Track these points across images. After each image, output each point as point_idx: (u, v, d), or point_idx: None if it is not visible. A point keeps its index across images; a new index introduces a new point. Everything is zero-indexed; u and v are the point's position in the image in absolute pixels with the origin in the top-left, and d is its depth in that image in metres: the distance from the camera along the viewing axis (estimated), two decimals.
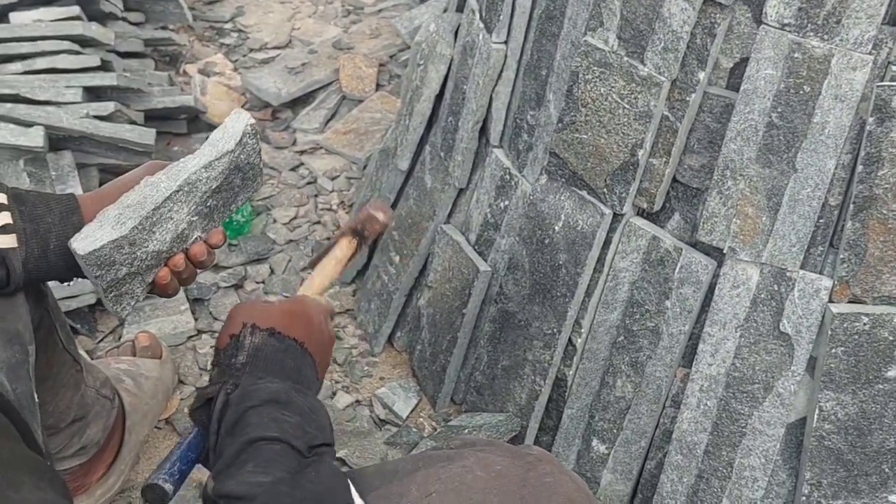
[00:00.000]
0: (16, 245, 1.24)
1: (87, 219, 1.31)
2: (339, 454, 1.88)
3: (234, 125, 1.38)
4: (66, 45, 2.52)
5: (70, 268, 1.31)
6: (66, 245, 1.28)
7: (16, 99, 2.36)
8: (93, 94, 2.47)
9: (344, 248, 1.53)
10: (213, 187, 1.36)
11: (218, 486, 0.98)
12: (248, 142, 1.38)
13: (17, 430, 0.82)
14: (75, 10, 2.66)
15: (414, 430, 1.97)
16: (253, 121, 1.40)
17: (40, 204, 1.28)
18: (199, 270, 1.43)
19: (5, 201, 1.25)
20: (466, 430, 1.86)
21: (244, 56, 3.15)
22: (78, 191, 2.24)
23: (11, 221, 1.24)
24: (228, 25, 3.30)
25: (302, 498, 0.97)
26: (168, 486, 1.18)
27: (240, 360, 1.12)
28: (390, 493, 1.10)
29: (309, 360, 1.19)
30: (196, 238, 1.39)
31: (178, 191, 1.32)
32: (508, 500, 1.09)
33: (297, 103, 2.92)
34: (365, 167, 2.64)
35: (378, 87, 2.92)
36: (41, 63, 2.45)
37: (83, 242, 1.27)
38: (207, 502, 1.01)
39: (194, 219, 1.36)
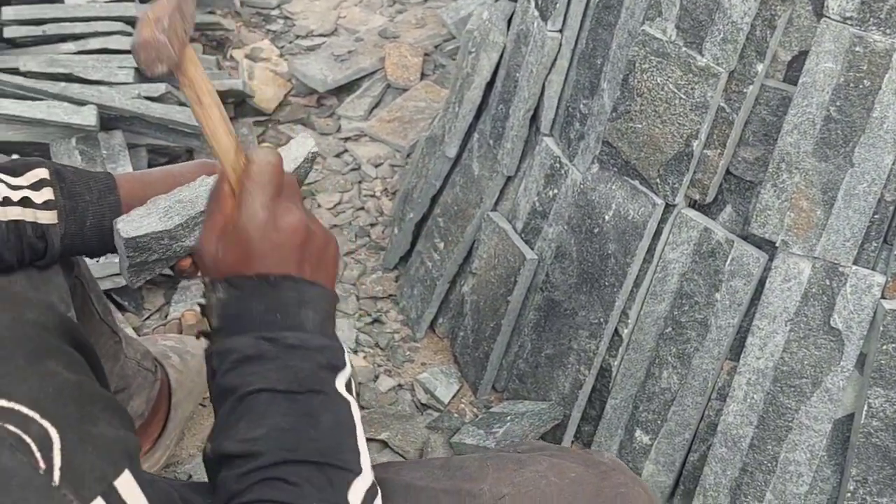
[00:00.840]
0: (56, 221, 1.26)
1: (123, 199, 1.32)
2: (382, 436, 1.89)
3: (298, 148, 1.37)
4: (119, 25, 2.56)
5: (102, 244, 1.33)
6: (102, 223, 1.29)
7: (69, 78, 2.39)
8: (144, 75, 2.49)
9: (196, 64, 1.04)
10: None
11: (215, 446, 0.94)
12: (305, 166, 1.38)
13: (90, 367, 0.83)
14: None
15: (455, 415, 1.99)
16: (317, 149, 1.35)
17: (79, 182, 1.30)
18: None
19: (48, 177, 1.27)
20: (508, 418, 1.87)
21: (290, 43, 3.17)
22: (128, 170, 2.27)
23: (53, 197, 1.26)
24: (275, 12, 3.32)
25: (298, 437, 0.93)
26: None
27: (214, 323, 1.00)
28: (459, 489, 1.10)
29: (287, 283, 0.99)
30: None
31: None
32: None
33: (343, 90, 2.94)
34: (409, 155, 2.65)
35: (423, 76, 2.93)
36: (94, 43, 2.48)
37: (128, 225, 1.28)
38: (207, 463, 0.96)
39: None
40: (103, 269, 2.04)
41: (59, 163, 1.34)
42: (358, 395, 1.98)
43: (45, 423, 0.68)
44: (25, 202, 1.24)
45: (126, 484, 0.73)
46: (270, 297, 0.97)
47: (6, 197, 1.22)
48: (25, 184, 1.23)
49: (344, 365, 0.99)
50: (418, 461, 1.16)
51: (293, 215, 0.99)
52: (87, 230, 1.30)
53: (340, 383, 0.98)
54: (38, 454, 0.67)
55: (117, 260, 1.30)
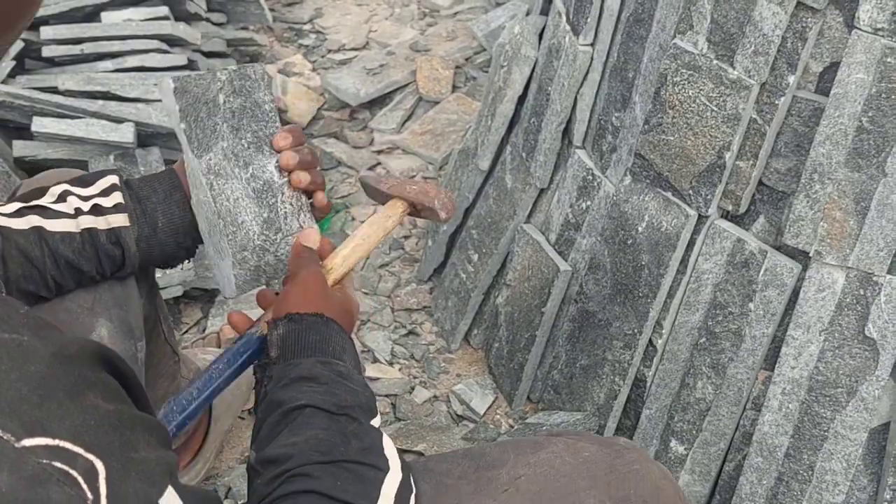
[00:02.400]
0: (128, 224, 1.29)
1: (187, 192, 1.36)
2: (418, 448, 1.91)
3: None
4: (155, 43, 2.60)
5: (180, 246, 1.36)
6: (173, 222, 1.33)
7: (106, 96, 2.44)
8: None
9: (392, 216, 1.47)
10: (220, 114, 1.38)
11: (258, 454, 1.03)
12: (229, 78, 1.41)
13: (129, 391, 0.86)
14: (163, 10, 2.73)
15: (491, 426, 2.00)
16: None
17: (144, 185, 1.34)
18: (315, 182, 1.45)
19: (117, 182, 1.30)
20: (544, 428, 1.88)
21: (322, 57, 3.21)
22: None
23: (123, 201, 1.29)
24: (307, 27, 3.36)
25: (333, 444, 1.01)
26: None
27: (273, 354, 1.16)
28: (479, 477, 1.14)
29: (333, 325, 1.21)
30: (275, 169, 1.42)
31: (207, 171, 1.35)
32: (597, 484, 1.12)
33: (375, 104, 2.97)
34: (441, 167, 2.67)
35: (454, 88, 2.96)
36: (131, 61, 2.53)
37: (229, 287, 1.39)
38: (250, 472, 1.05)
39: (249, 151, 1.40)
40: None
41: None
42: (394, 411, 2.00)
43: (90, 456, 0.71)
44: (96, 209, 1.27)
45: (169, 499, 0.77)
46: (323, 332, 1.17)
47: (77, 208, 1.26)
48: (96, 192, 1.27)
49: (377, 413, 1.12)
50: (444, 454, 1.20)
51: (343, 292, 1.33)
52: (161, 232, 1.33)
53: (375, 422, 1.10)
54: (84, 486, 0.70)
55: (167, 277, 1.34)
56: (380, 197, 1.53)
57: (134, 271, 1.34)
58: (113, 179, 1.30)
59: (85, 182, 1.29)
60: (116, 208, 1.28)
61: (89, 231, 1.27)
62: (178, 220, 1.33)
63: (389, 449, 1.06)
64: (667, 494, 1.15)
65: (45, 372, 0.72)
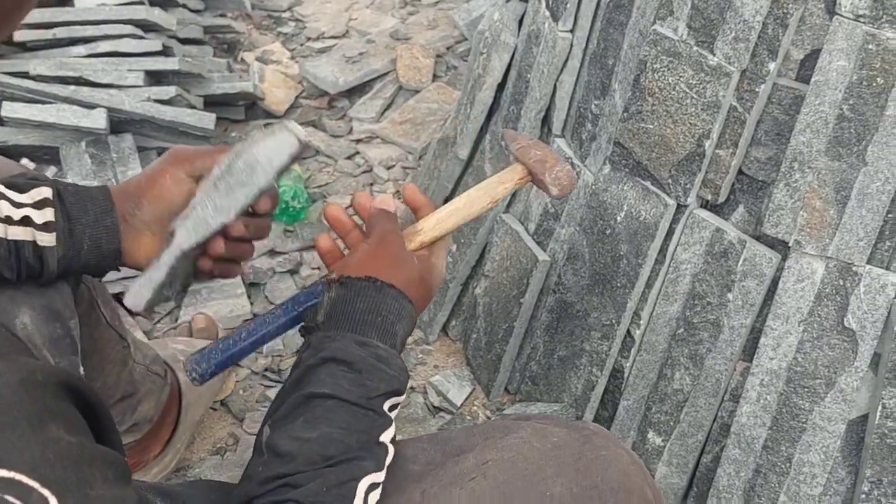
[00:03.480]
0: (55, 244, 1.25)
1: (119, 215, 1.30)
2: None
3: (281, 142, 1.28)
4: (129, 29, 2.56)
5: (99, 267, 1.32)
6: (98, 246, 1.28)
7: (79, 81, 2.40)
8: (154, 78, 2.50)
9: (506, 182, 1.31)
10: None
11: (271, 436, 1.01)
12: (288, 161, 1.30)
13: (88, 416, 0.84)
14: None
15: (468, 418, 1.98)
16: (304, 137, 1.28)
17: (77, 203, 1.28)
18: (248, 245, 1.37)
19: (50, 196, 1.25)
20: None
21: (301, 45, 3.17)
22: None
23: (53, 219, 1.25)
24: (286, 14, 3.33)
25: (342, 447, 0.99)
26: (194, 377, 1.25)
27: (319, 319, 1.14)
28: (446, 463, 1.12)
29: (390, 291, 1.15)
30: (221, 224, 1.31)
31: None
32: (564, 471, 1.10)
33: (354, 92, 2.94)
34: (421, 157, 2.64)
35: (435, 77, 2.93)
36: (104, 46, 2.49)
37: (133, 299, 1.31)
38: (256, 446, 1.03)
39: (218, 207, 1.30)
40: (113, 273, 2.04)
41: (63, 181, 1.32)
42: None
43: (45, 492, 0.70)
44: (26, 221, 1.23)
45: None
46: (374, 299, 1.13)
47: (8, 216, 1.22)
48: (29, 202, 1.22)
49: (403, 392, 1.09)
50: (410, 439, 1.18)
51: (426, 260, 1.27)
52: (84, 254, 1.28)
53: (388, 404, 1.07)
54: None
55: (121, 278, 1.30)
56: (510, 157, 1.38)
57: (50, 282, 1.30)
58: (46, 192, 1.24)
59: (19, 188, 1.24)
60: (46, 227, 1.23)
61: (16, 242, 1.23)
62: (104, 245, 1.28)
63: (387, 435, 1.04)
64: (634, 481, 1.13)
65: (10, 398, 0.71)
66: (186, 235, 1.28)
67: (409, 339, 2.18)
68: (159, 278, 1.28)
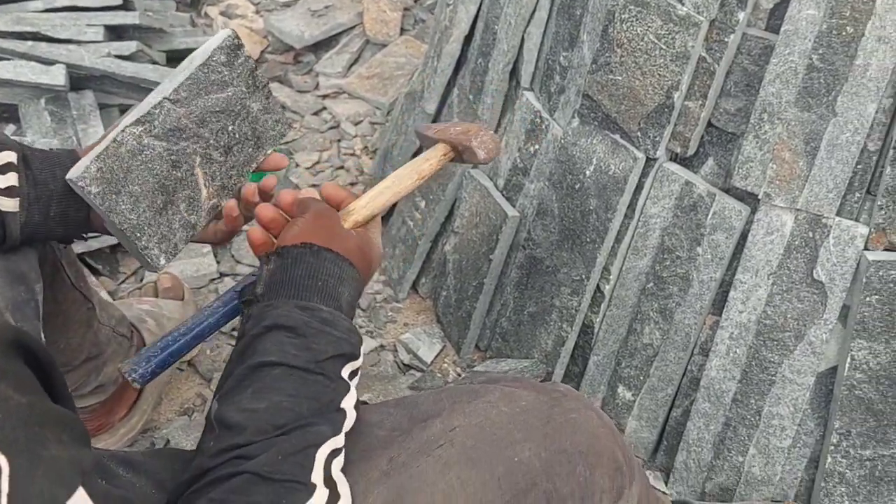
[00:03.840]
0: (17, 210, 1.22)
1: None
2: (363, 398, 1.87)
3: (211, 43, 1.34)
4: None
5: (67, 234, 1.29)
6: (66, 213, 1.25)
7: (36, 37, 2.34)
8: (114, 33, 2.44)
9: (431, 159, 1.38)
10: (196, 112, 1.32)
11: (219, 409, 0.98)
12: (220, 57, 1.33)
13: (42, 376, 0.81)
14: None
15: (438, 375, 1.97)
16: (235, 38, 1.35)
17: (45, 169, 1.25)
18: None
19: (15, 161, 1.22)
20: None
21: None
22: (99, 131, 2.23)
23: (17, 184, 1.22)
24: None
25: (293, 415, 0.96)
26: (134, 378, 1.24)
27: (259, 291, 1.11)
28: (413, 428, 1.10)
29: (326, 255, 1.13)
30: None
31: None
32: (532, 436, 1.09)
33: (320, 47, 2.89)
34: (389, 112, 2.61)
35: (402, 31, 2.88)
36: (62, 1, 2.42)
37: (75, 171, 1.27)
38: (207, 423, 1.00)
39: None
40: None
41: (30, 146, 1.29)
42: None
43: None
44: None
45: (77, 501, 0.73)
46: (312, 264, 1.10)
47: None
48: None
49: (358, 356, 1.06)
50: (375, 404, 1.16)
51: (375, 245, 1.28)
52: (51, 220, 1.25)
53: (347, 370, 1.04)
54: None
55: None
56: (427, 143, 1.45)
57: (13, 248, 1.27)
58: (10, 157, 1.21)
59: None
60: (9, 192, 1.20)
61: None
62: (72, 213, 1.25)
63: (348, 401, 1.01)
64: (603, 443, 1.12)
65: None
66: (131, 116, 1.28)
67: (379, 297, 2.16)
68: (100, 150, 1.25)
